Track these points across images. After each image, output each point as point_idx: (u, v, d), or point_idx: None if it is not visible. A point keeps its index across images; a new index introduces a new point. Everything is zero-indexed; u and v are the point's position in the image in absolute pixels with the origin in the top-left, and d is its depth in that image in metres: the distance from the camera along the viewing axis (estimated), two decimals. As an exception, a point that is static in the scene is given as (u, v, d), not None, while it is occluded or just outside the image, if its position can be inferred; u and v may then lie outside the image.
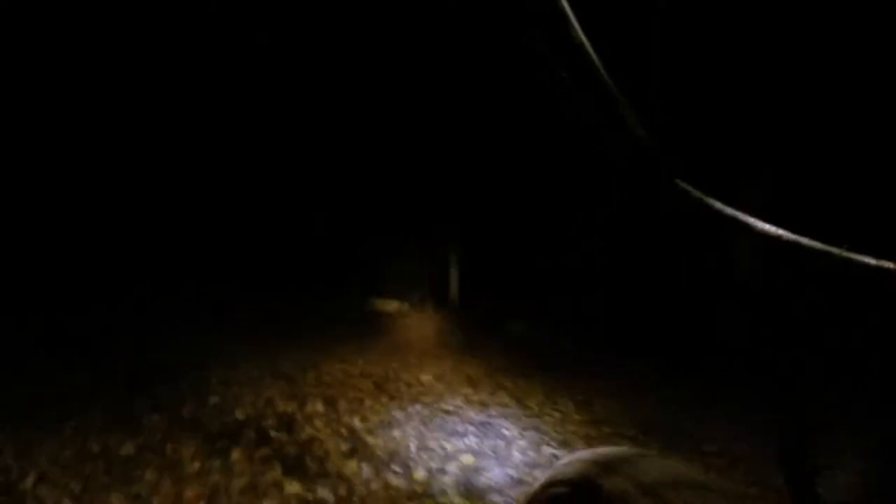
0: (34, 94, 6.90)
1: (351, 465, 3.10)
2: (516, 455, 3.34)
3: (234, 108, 7.79)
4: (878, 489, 2.82)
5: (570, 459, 1.14)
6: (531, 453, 3.37)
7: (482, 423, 3.75)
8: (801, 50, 5.80)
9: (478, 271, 8.24)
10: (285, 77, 7.78)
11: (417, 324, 7.22)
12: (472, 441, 3.46)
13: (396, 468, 3.10)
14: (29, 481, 2.87)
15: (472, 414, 3.91)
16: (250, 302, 7.27)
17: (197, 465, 3.03)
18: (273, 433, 3.37)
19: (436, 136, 7.97)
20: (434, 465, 3.15)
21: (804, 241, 0.62)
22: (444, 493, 2.89)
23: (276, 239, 8.11)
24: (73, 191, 7.21)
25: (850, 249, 0.60)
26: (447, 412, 3.90)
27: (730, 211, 0.65)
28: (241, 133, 7.95)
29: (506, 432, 3.64)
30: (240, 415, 3.62)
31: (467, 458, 3.24)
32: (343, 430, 3.47)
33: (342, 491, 2.86)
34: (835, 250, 0.62)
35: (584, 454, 1.14)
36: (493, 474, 3.08)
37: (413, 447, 3.32)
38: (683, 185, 0.60)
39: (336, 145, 8.18)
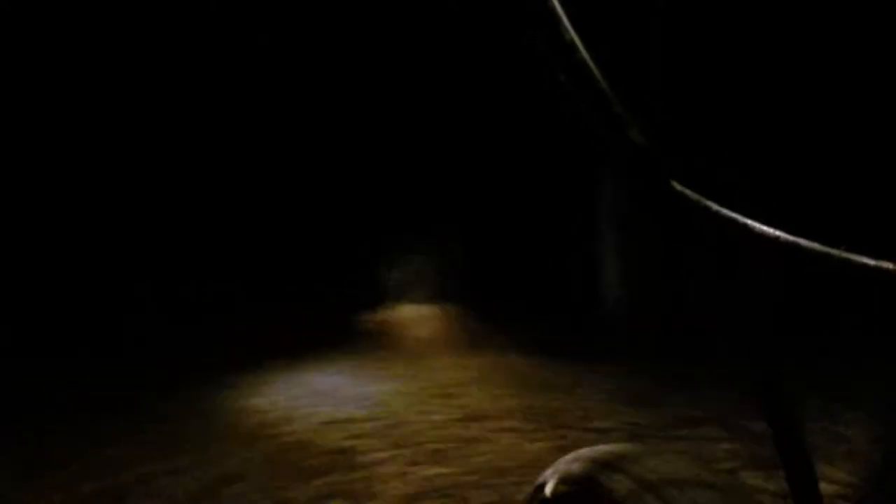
0: (35, 95, 6.90)
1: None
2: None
3: (235, 108, 7.79)
4: (878, 486, 2.82)
5: (573, 457, 1.13)
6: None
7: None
8: (800, 50, 5.80)
9: (478, 271, 8.24)
10: (285, 77, 7.78)
11: (412, 329, 7.18)
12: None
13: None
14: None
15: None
16: (247, 304, 7.28)
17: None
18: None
19: (436, 137, 7.97)
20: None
21: (803, 242, 0.62)
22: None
23: (276, 239, 8.12)
24: (74, 191, 7.21)
25: (847, 250, 0.60)
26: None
27: (727, 213, 0.65)
28: (241, 133, 7.95)
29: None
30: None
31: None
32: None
33: None
34: (834, 252, 0.62)
35: (587, 452, 1.13)
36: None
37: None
38: (679, 187, 0.60)
39: (337, 146, 8.18)
